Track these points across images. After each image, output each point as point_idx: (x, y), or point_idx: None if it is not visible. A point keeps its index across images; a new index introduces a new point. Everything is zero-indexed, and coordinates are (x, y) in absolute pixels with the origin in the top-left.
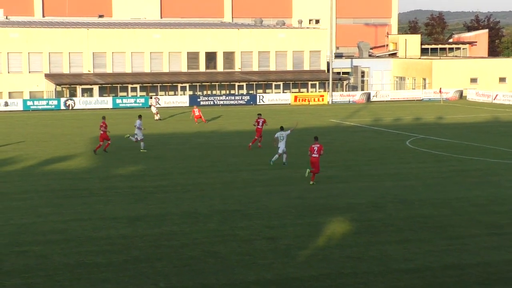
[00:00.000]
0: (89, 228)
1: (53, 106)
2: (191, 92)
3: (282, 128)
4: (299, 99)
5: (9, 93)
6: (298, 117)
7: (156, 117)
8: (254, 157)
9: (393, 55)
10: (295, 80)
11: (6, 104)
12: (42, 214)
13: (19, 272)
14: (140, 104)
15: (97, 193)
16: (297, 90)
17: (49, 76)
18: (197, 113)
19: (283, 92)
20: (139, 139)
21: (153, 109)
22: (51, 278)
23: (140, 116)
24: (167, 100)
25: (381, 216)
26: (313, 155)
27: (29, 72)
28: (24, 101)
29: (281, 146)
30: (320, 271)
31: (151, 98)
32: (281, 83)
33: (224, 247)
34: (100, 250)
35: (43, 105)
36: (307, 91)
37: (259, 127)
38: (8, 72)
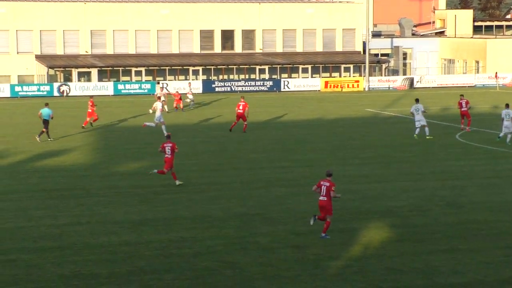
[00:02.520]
0: (87, 233)
1: (45, 92)
2: (204, 77)
3: (507, 106)
4: (331, 85)
5: None
6: (328, 105)
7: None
8: (277, 153)
9: (441, 33)
10: (326, 63)
11: None
12: (33, 217)
13: (5, 284)
14: (146, 91)
15: (96, 193)
16: (328, 74)
17: (40, 58)
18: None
19: (312, 77)
20: (422, 124)
21: (190, 96)
22: None
23: (417, 100)
24: (176, 85)
25: (426, 221)
26: None
27: (17, 53)
28: (12, 87)
29: (509, 126)
30: (355, 285)
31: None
32: (309, 66)
33: (242, 257)
34: (99, 259)
35: (34, 91)
36: (340, 76)
37: (463, 109)
38: None
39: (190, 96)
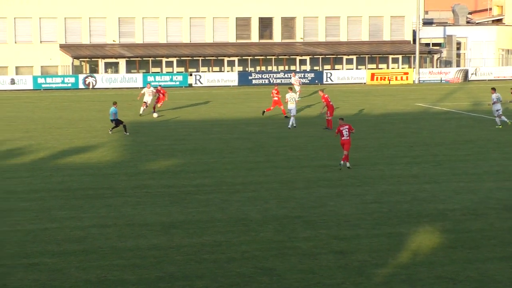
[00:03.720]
0: (114, 236)
1: (69, 85)
2: (240, 68)
3: None
4: (377, 78)
5: (16, 68)
6: (374, 99)
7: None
8: (320, 150)
9: (498, 21)
10: (372, 53)
11: (13, 81)
12: (56, 218)
13: None
14: (177, 83)
15: (124, 193)
16: (374, 66)
17: (65, 47)
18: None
19: (357, 68)
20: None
21: (296, 88)
22: None
23: (495, 89)
24: (210, 77)
25: (481, 226)
26: None
27: (41, 42)
28: (34, 78)
29: None
30: None
31: (294, 75)
32: (354, 57)
33: (281, 263)
34: (127, 264)
35: (57, 83)
36: (387, 68)
37: None
38: (15, 42)
39: (297, 88)
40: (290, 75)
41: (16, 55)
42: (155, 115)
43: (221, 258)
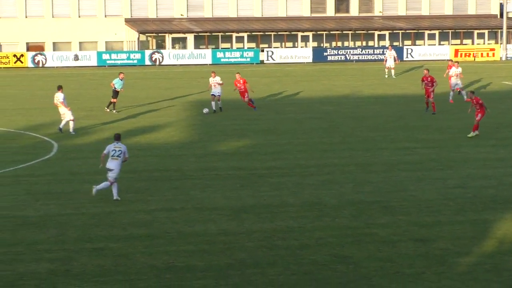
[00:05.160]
0: (181, 220)
1: (135, 61)
2: (315, 44)
3: None
4: (461, 54)
5: (80, 43)
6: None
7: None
8: (399, 131)
9: None
10: (456, 28)
11: (76, 57)
12: (122, 201)
13: (92, 275)
14: (248, 59)
15: (192, 175)
16: (458, 41)
17: (131, 22)
18: (241, 86)
19: (440, 44)
20: None
21: (390, 63)
22: (132, 283)
23: None
24: (283, 54)
25: None
26: None
27: (105, 16)
28: (99, 54)
29: None
30: (487, 285)
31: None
32: (436, 32)
33: (357, 250)
34: (195, 250)
35: (123, 59)
36: (472, 43)
37: None
38: (79, 17)
39: (391, 63)
40: (386, 50)
41: (79, 30)
42: (255, 110)
43: (294, 244)
